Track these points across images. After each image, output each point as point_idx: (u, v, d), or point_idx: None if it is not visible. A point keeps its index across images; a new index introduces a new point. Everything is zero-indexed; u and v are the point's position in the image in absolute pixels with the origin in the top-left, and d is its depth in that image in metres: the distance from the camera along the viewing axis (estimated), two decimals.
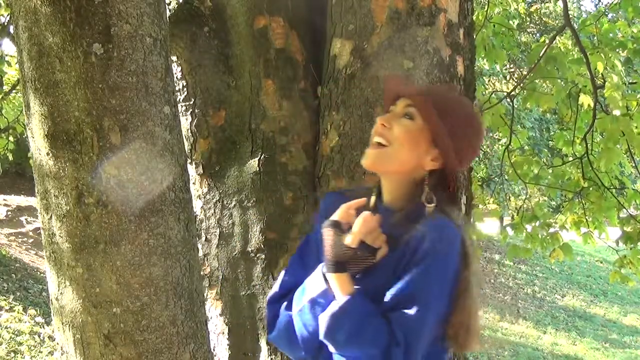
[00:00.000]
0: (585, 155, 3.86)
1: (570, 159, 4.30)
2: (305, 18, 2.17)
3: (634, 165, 4.35)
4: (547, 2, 11.65)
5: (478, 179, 8.16)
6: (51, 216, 1.48)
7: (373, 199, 1.30)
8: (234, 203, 2.11)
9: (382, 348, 1.11)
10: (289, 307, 1.27)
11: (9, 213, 8.27)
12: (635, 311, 11.83)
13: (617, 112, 3.71)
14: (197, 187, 2.18)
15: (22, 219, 8.18)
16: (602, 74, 3.86)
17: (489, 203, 12.07)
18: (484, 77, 9.99)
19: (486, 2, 4.35)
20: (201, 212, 2.17)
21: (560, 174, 4.34)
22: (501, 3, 5.75)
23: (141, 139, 1.46)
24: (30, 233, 7.85)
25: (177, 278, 1.55)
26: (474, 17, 2.51)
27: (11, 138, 5.84)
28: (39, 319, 5.73)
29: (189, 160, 2.16)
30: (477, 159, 9.90)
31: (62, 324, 1.55)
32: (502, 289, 11.79)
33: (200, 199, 2.18)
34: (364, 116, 1.90)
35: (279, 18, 2.11)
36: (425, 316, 1.12)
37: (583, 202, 4.19)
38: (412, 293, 1.12)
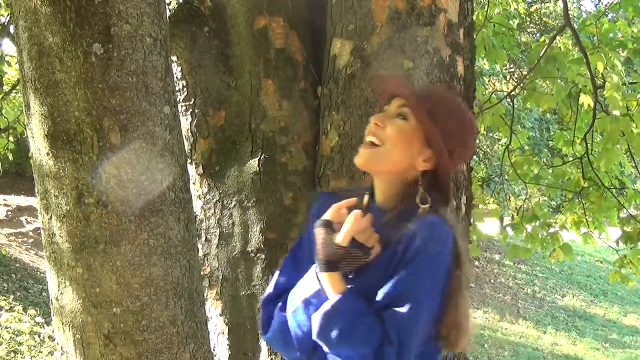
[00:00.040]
0: (585, 155, 3.86)
1: (570, 159, 4.30)
2: (305, 18, 2.17)
3: (634, 165, 4.35)
4: (547, 2, 11.64)
5: (478, 179, 8.16)
6: (51, 216, 1.48)
7: (366, 198, 1.30)
8: (234, 203, 2.11)
9: (375, 347, 1.11)
10: (283, 308, 1.28)
11: (9, 213, 8.27)
12: (635, 311, 11.82)
13: (616, 112, 3.71)
14: (197, 187, 2.18)
15: (22, 219, 8.18)
16: (602, 74, 3.86)
17: (489, 203, 12.07)
18: (484, 77, 9.99)
19: (486, 2, 4.35)
20: (201, 212, 2.17)
21: (560, 174, 4.33)
22: (501, 3, 5.75)
23: (141, 139, 1.46)
24: (30, 233, 7.85)
25: (177, 278, 1.55)
26: (474, 17, 2.51)
27: (11, 138, 5.84)
28: (39, 319, 5.73)
29: (189, 160, 2.16)
30: (477, 158, 9.91)
31: (62, 324, 1.55)
32: (502, 289, 11.79)
33: (200, 199, 2.18)
34: (364, 116, 1.90)
35: (279, 18, 2.11)
36: (417, 314, 1.12)
37: (583, 202, 4.19)
38: (404, 291, 1.13)
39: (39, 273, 6.82)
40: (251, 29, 2.12)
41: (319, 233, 1.20)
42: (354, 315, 1.13)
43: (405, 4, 1.90)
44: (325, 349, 1.16)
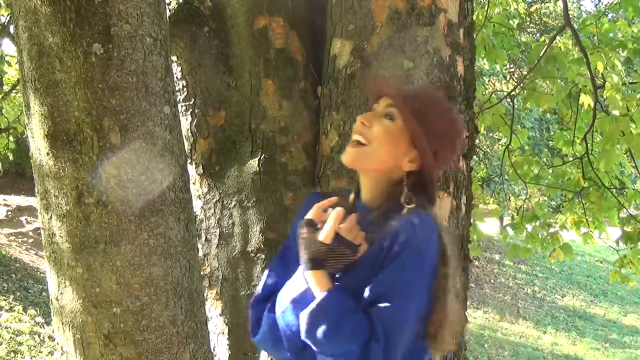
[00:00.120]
0: (585, 155, 3.86)
1: (570, 159, 4.30)
2: (305, 18, 2.17)
3: (634, 165, 4.35)
4: (547, 2, 11.64)
5: (478, 179, 8.15)
6: (51, 216, 1.48)
7: (351, 196, 1.32)
8: (234, 203, 2.11)
9: (362, 344, 1.11)
10: (272, 309, 1.28)
11: (9, 213, 8.26)
12: (635, 311, 11.83)
13: (616, 112, 3.70)
14: (197, 187, 2.18)
15: (22, 219, 8.18)
16: (602, 74, 3.86)
17: (489, 203, 12.07)
18: (484, 77, 9.98)
19: (486, 2, 4.35)
20: (201, 212, 2.17)
21: (560, 174, 4.33)
22: (501, 3, 5.75)
23: (141, 139, 1.46)
24: (30, 233, 7.85)
25: (177, 278, 1.55)
26: (474, 17, 2.51)
27: (11, 138, 5.84)
28: (39, 319, 5.73)
29: (189, 160, 2.16)
30: (477, 158, 9.90)
31: (62, 324, 1.55)
32: (502, 289, 11.79)
33: (200, 199, 2.18)
34: None
35: (279, 18, 2.11)
36: (404, 310, 1.13)
37: (583, 202, 4.19)
38: (390, 288, 1.13)
39: (39, 273, 6.82)
40: (251, 29, 2.12)
41: (302, 232, 1.21)
42: (340, 313, 1.13)
43: (405, 4, 1.90)
44: (314, 348, 1.16)
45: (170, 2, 2.18)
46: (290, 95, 2.11)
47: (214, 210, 2.15)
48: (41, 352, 5.29)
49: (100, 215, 1.44)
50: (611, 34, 4.19)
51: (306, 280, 1.19)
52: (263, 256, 2.06)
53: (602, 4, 12.48)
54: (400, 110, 1.25)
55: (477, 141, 2.44)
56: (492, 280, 12.01)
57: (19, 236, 7.76)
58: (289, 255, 1.33)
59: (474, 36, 2.18)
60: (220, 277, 2.13)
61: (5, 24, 4.67)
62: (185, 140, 2.10)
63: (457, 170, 1.96)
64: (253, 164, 2.09)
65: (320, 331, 1.13)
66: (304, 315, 1.15)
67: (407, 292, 1.14)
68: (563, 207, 4.84)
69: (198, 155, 2.18)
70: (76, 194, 1.43)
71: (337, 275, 1.20)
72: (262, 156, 2.08)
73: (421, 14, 1.90)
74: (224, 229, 2.13)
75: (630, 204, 4.23)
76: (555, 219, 4.58)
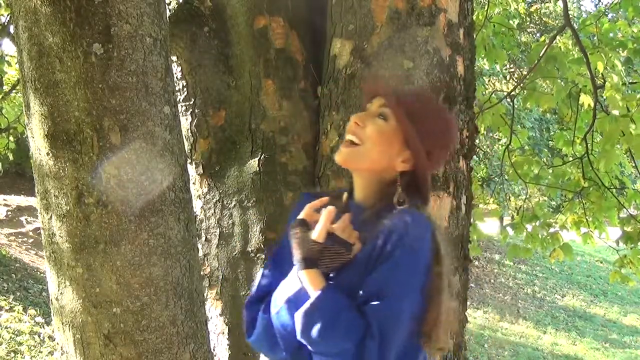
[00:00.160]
0: (586, 155, 3.86)
1: (570, 159, 4.30)
2: (305, 18, 2.17)
3: (634, 165, 4.35)
4: (547, 2, 11.64)
5: (478, 179, 8.16)
6: (51, 216, 1.48)
7: (344, 196, 1.32)
8: (234, 203, 2.11)
9: (357, 341, 1.11)
10: (266, 310, 1.28)
11: (9, 213, 8.27)
12: (635, 311, 11.83)
13: (616, 112, 3.70)
14: (197, 187, 2.18)
15: (22, 219, 8.18)
16: (602, 74, 3.86)
17: (489, 203, 12.07)
18: (484, 77, 9.98)
19: (486, 2, 4.35)
20: (201, 212, 2.17)
21: (561, 173, 4.33)
22: (501, 3, 5.75)
23: (141, 139, 1.46)
24: (30, 233, 7.85)
25: (177, 278, 1.55)
26: (474, 17, 2.51)
27: (11, 138, 5.84)
28: (39, 319, 5.73)
29: (189, 160, 2.16)
30: (477, 158, 9.91)
31: (62, 324, 1.55)
32: (502, 289, 11.79)
33: (200, 199, 2.18)
34: None
35: (279, 18, 2.11)
36: (398, 307, 1.13)
37: (583, 202, 4.19)
38: (384, 285, 1.13)
39: (39, 273, 6.82)
40: (251, 29, 2.12)
41: (295, 232, 1.21)
42: (334, 311, 1.13)
43: (405, 4, 1.90)
44: (310, 347, 1.16)
45: (170, 2, 2.18)
46: (290, 95, 2.11)
47: (214, 210, 2.15)
48: (41, 352, 5.29)
49: (100, 215, 1.44)
50: (611, 34, 4.19)
51: (300, 280, 1.19)
52: (263, 256, 2.06)
53: (602, 4, 12.49)
54: (394, 110, 1.25)
55: (477, 141, 2.43)
56: (492, 280, 12.01)
57: (19, 236, 7.76)
58: (282, 257, 1.33)
59: (474, 36, 2.18)
60: (220, 277, 2.13)
61: (5, 24, 4.67)
62: (185, 140, 2.10)
63: (457, 170, 1.96)
64: (253, 164, 2.09)
65: (315, 330, 1.13)
66: (299, 315, 1.15)
67: (401, 291, 1.14)
68: (563, 207, 4.84)
69: (198, 155, 2.18)
70: (76, 194, 1.43)
71: (331, 275, 1.20)
72: (262, 156, 2.08)
73: (421, 14, 1.90)
74: (224, 229, 2.13)
75: (630, 204, 4.23)
76: (555, 219, 4.59)
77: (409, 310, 1.15)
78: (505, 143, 4.97)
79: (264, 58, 2.11)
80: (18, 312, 5.75)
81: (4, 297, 6.03)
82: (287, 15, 2.12)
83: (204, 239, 2.16)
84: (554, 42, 3.92)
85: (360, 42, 1.92)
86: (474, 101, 2.09)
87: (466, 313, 2.07)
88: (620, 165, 4.78)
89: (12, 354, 5.12)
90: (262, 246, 2.06)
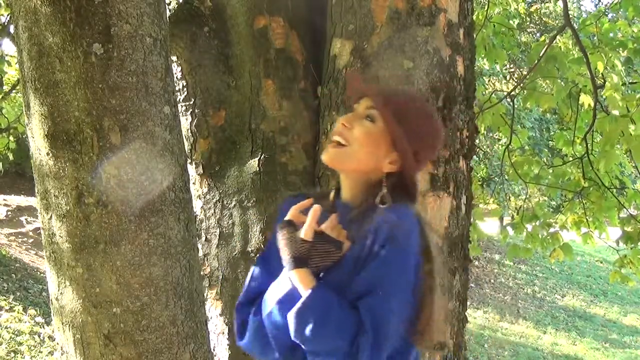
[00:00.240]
0: (586, 155, 3.86)
1: (570, 159, 4.30)
2: (305, 18, 2.17)
3: (634, 165, 4.35)
4: (547, 2, 11.64)
5: (478, 179, 8.15)
6: (51, 216, 1.48)
7: (331, 195, 1.33)
8: (234, 203, 2.11)
9: (350, 338, 1.11)
10: (257, 313, 1.28)
11: (9, 213, 8.26)
12: (635, 311, 11.83)
13: (616, 112, 3.70)
14: (197, 187, 2.18)
15: (22, 219, 8.18)
16: (602, 74, 3.86)
17: (489, 203, 12.07)
18: (484, 77, 9.98)
19: (486, 2, 4.35)
20: (201, 212, 2.17)
21: (560, 174, 4.33)
22: (501, 3, 5.75)
23: (141, 139, 1.46)
24: (30, 233, 7.84)
25: (177, 278, 1.55)
26: (474, 17, 2.51)
27: (11, 138, 5.84)
28: (39, 319, 5.73)
29: (189, 160, 2.16)
30: (477, 158, 9.91)
31: (62, 324, 1.55)
32: (502, 289, 11.79)
33: (200, 199, 2.18)
34: None
35: (279, 18, 2.11)
36: (389, 302, 1.13)
37: (583, 202, 4.19)
38: (374, 281, 1.13)
39: (39, 273, 6.82)
40: (251, 29, 2.12)
41: (282, 233, 1.21)
42: (326, 309, 1.13)
43: (405, 4, 1.90)
44: (304, 347, 1.16)
45: (170, 2, 2.18)
46: (290, 95, 2.11)
47: (214, 210, 2.15)
48: (41, 352, 5.29)
49: (100, 215, 1.44)
50: (611, 34, 4.19)
51: (290, 280, 1.19)
52: None
53: (602, 4, 12.48)
54: (381, 112, 1.25)
55: (477, 141, 2.43)
56: (492, 280, 12.01)
57: (19, 236, 7.76)
58: (271, 259, 1.33)
59: (474, 36, 2.18)
60: (220, 277, 2.13)
61: (5, 24, 4.67)
62: (185, 140, 2.10)
63: (457, 170, 1.96)
64: (253, 164, 2.09)
65: (308, 329, 1.13)
66: (291, 315, 1.15)
67: (391, 288, 1.14)
68: (563, 207, 4.84)
69: (198, 155, 2.18)
70: (76, 194, 1.43)
71: (321, 275, 1.20)
72: (262, 156, 2.08)
73: (421, 14, 1.90)
74: (224, 229, 2.13)
75: (630, 204, 4.23)
76: (555, 219, 4.59)
77: (399, 307, 1.15)
78: (505, 143, 4.98)
79: (264, 58, 2.11)
80: (18, 312, 5.75)
81: (4, 297, 6.02)
82: (287, 15, 2.12)
83: (204, 239, 2.16)
84: (554, 42, 3.91)
85: (360, 42, 1.92)
86: (474, 101, 2.09)
87: (466, 313, 2.06)
88: (620, 165, 4.78)
89: (12, 354, 5.12)
90: (262, 246, 2.06)
